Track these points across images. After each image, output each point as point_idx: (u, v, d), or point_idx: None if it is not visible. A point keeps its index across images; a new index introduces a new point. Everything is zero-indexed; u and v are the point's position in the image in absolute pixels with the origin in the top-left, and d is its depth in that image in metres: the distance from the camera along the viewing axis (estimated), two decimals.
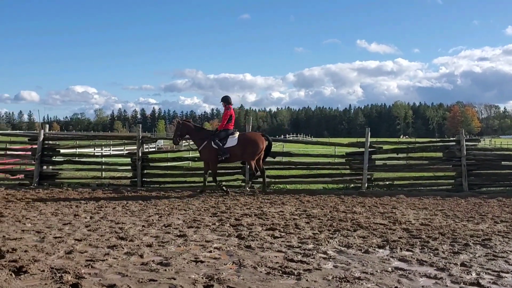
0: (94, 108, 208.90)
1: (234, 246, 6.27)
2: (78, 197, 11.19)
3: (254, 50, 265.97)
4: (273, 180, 13.59)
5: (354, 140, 19.06)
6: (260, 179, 12.59)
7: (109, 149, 30.43)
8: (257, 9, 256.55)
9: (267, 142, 12.39)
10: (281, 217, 8.53)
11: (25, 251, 5.82)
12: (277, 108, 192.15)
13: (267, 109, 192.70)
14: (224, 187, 12.26)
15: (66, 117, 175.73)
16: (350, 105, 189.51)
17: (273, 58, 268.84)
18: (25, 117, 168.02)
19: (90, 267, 5.15)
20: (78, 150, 17.17)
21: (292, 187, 13.62)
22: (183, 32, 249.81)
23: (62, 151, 14.64)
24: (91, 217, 8.42)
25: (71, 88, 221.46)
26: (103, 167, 16.53)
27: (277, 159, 14.91)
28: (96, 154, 24.77)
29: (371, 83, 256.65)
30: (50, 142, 14.20)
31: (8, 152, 15.89)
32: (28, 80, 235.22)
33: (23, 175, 14.53)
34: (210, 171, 12.12)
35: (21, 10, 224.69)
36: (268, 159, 12.92)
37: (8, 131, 65.08)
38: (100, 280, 4.72)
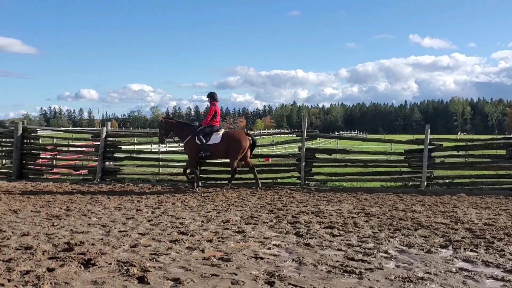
0: (150, 105, 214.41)
1: (293, 243, 6.28)
2: (139, 192, 11.54)
3: (306, 46, 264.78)
4: (329, 177, 13.52)
5: (410, 137, 18.61)
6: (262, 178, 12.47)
7: (165, 145, 31.23)
8: (306, 6, 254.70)
9: (251, 141, 12.40)
10: (339, 215, 8.46)
11: (92, 244, 6.06)
12: (330, 104, 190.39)
13: (320, 106, 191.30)
14: (190, 183, 12.42)
15: (123, 114, 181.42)
16: (405, 101, 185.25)
17: (325, 54, 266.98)
18: (85, 114, 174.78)
19: (154, 261, 5.30)
20: (137, 147, 17.68)
21: (347, 185, 13.48)
22: (234, 30, 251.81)
23: (123, 147, 15.12)
24: (152, 212, 8.67)
25: (128, 86, 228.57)
26: (161, 163, 16.95)
27: (333, 156, 14.76)
28: (154, 150, 25.45)
29: (426, 78, 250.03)
30: (112, 138, 14.70)
31: (71, 149, 16.59)
32: (88, 79, 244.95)
33: (86, 171, 15.13)
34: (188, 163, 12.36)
35: (80, 9, 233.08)
36: (324, 156, 12.83)
37: (72, 128, 67.73)
38: (164, 273, 4.86)
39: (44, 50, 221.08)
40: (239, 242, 6.30)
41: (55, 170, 15.34)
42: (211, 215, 8.35)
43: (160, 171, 15.59)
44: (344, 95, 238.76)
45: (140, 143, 18.78)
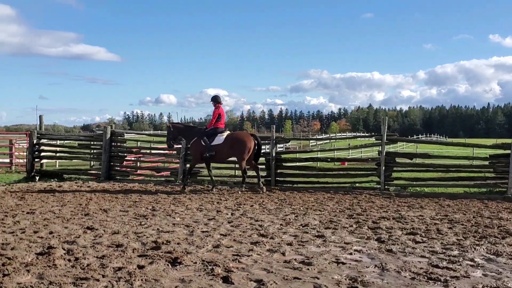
0: (225, 109, 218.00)
1: (375, 249, 6.20)
2: (218, 194, 11.83)
3: (381, 49, 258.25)
4: (410, 182, 13.19)
5: (493, 141, 17.74)
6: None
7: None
8: (380, 8, 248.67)
9: (255, 142, 12.66)
10: (421, 222, 8.24)
11: (178, 243, 6.32)
12: (408, 107, 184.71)
13: (397, 108, 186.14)
14: (186, 185, 12.77)
15: (200, 118, 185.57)
16: (488, 103, 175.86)
17: (401, 56, 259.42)
18: (165, 118, 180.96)
19: (237, 262, 5.44)
20: None
21: (429, 190, 13.06)
22: (307, 33, 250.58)
23: None
24: (232, 214, 8.88)
25: (204, 91, 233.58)
26: (237, 165, 17.28)
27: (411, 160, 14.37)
28: None
29: (510, 80, 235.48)
30: None
31: (153, 151, 17.30)
32: (167, 84, 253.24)
33: (169, 172, 15.73)
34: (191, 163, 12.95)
35: (160, 20, 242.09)
36: (405, 160, 12.51)
37: (155, 131, 70.40)
38: (247, 274, 4.98)
39: (127, 58, 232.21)
40: (319, 247, 6.31)
41: (139, 171, 16.07)
42: (289, 218, 8.42)
43: (236, 174, 15.90)
44: (422, 98, 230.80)
45: None
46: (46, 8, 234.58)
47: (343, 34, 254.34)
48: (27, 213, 8.76)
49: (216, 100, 12.91)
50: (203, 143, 12.48)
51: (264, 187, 12.61)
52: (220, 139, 12.52)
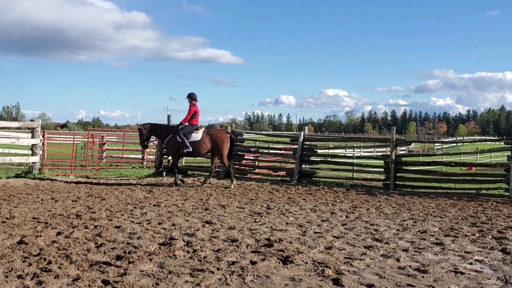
0: (345, 110, 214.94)
1: (498, 260, 5.76)
2: (333, 196, 11.75)
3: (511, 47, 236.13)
4: None
5: None
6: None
7: (359, 150, 31.19)
8: (506, 6, 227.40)
9: (231, 139, 13.40)
10: None
11: (290, 242, 6.40)
12: None
13: None
14: (178, 181, 13.09)
15: (319, 119, 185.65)
16: None
17: None
18: (284, 119, 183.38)
19: (348, 265, 5.38)
20: (331, 151, 18.01)
21: None
22: (430, 32, 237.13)
23: (318, 151, 15.57)
24: (346, 216, 8.77)
25: (323, 92, 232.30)
26: (355, 168, 17.03)
27: None
28: (347, 155, 25.65)
29: None
30: (308, 142, 15.24)
31: (271, 151, 17.64)
32: (286, 86, 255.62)
33: (285, 172, 15.96)
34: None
35: (278, 23, 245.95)
36: None
37: (273, 132, 71.82)
38: (358, 278, 4.90)
39: (249, 61, 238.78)
40: (437, 254, 6.01)
41: (257, 170, 16.51)
42: (407, 224, 8.11)
43: (354, 176, 15.65)
44: None
45: (335, 148, 19.09)
46: (177, 15, 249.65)
47: (467, 32, 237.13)
48: (154, 205, 9.44)
49: (191, 97, 13.18)
50: (179, 140, 12.86)
51: (234, 183, 13.11)
52: (197, 136, 13.00)
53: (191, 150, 12.97)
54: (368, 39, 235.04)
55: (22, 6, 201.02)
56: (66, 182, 13.35)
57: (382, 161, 14.22)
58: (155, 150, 17.85)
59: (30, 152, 15.05)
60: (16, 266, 4.90)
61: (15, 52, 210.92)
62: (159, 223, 7.49)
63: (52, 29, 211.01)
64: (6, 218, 7.51)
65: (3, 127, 17.86)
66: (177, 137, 12.97)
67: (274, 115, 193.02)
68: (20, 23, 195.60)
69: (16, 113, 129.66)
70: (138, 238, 6.39)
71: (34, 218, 7.66)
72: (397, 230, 7.57)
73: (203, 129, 13.47)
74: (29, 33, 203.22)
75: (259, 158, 17.39)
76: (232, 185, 12.97)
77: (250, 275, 4.85)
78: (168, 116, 17.57)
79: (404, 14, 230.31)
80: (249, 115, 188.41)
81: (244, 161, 16.41)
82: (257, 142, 18.86)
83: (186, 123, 13.08)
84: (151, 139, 13.84)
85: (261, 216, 8.44)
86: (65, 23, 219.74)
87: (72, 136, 26.11)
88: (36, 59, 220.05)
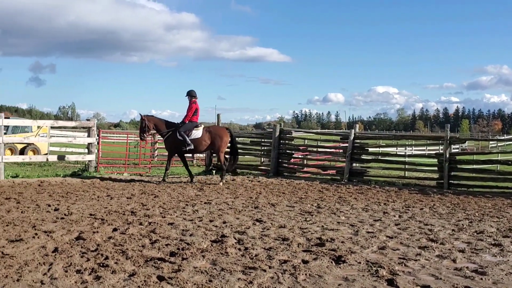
0: (395, 107, 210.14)
1: None
2: (385, 195, 11.54)
3: None
4: None
5: None
6: None
7: (411, 148, 30.51)
8: None
9: (230, 136, 13.34)
10: None
11: (342, 242, 6.33)
12: None
13: None
14: (166, 178, 13.25)
15: (369, 117, 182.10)
16: None
17: None
18: (332, 117, 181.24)
19: (403, 265, 5.27)
20: (382, 149, 17.69)
21: None
22: (482, 27, 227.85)
23: (369, 149, 15.34)
24: (399, 216, 8.60)
25: (372, 89, 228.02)
26: (407, 166, 16.68)
27: None
28: (398, 153, 25.15)
29: None
30: (359, 141, 15.03)
31: (321, 150, 17.52)
32: (335, 83, 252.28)
33: (334, 171, 15.81)
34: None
35: (328, 20, 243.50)
36: None
37: (322, 130, 71.41)
38: (414, 279, 4.79)
39: (297, 59, 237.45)
40: (495, 256, 5.80)
41: (306, 169, 16.43)
42: (462, 224, 7.87)
43: (406, 175, 15.30)
44: None
45: (386, 146, 18.76)
46: (225, 15, 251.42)
47: None
48: (205, 203, 9.57)
49: (191, 94, 13.15)
50: (179, 137, 12.81)
51: (222, 182, 13.12)
52: (197, 133, 12.99)
53: (193, 147, 13.08)
54: (419, 37, 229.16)
55: (77, 10, 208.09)
56: (121, 180, 13.74)
57: (435, 160, 13.85)
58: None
59: (86, 150, 15.57)
60: (75, 261, 5.07)
61: (71, 54, 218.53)
62: (211, 221, 7.58)
63: (106, 31, 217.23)
64: (65, 215, 7.80)
65: (60, 126, 18.57)
66: (178, 134, 13.04)
67: (322, 113, 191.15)
68: (75, 26, 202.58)
69: (71, 113, 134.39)
70: (191, 235, 6.49)
71: (91, 214, 7.92)
72: (452, 230, 7.36)
73: (203, 126, 13.50)
74: (84, 36, 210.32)
75: (308, 156, 17.30)
76: (221, 183, 13.00)
77: (303, 274, 4.84)
78: (218, 115, 17.80)
79: (453, 10, 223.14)
80: (296, 114, 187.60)
81: (292, 160, 16.36)
82: (306, 141, 18.77)
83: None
84: (150, 132, 13.70)
85: (312, 215, 8.40)
86: (118, 25, 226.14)
87: (126, 135, 26.83)
88: (90, 61, 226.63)
